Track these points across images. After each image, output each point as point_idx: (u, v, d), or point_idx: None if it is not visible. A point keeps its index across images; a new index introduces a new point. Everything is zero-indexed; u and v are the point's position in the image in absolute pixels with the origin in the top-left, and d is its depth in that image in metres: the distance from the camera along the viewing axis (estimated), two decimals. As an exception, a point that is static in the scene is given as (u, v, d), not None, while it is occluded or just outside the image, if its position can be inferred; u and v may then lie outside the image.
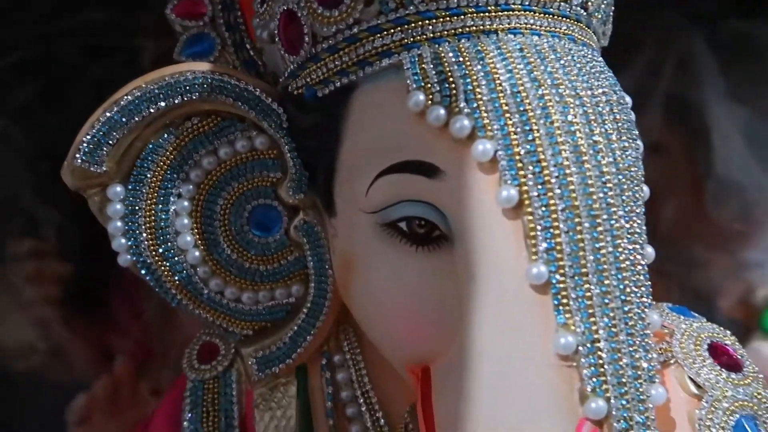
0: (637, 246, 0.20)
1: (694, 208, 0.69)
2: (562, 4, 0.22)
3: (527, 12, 0.22)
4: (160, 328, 0.47)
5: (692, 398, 0.22)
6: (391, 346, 0.24)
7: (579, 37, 0.23)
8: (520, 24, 0.22)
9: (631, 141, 0.21)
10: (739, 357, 0.23)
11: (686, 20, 0.63)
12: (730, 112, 0.64)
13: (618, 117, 0.21)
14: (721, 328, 0.24)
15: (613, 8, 0.26)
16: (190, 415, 0.27)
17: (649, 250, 0.22)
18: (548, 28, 0.22)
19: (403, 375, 0.24)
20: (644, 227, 0.21)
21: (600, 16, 0.25)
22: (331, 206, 0.25)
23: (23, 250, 0.47)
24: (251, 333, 0.27)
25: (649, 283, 0.21)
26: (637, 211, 0.21)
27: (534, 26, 0.22)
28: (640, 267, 0.21)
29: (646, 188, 0.22)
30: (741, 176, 0.65)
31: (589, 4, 0.23)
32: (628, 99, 0.24)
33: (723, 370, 0.23)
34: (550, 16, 0.22)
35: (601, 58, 0.24)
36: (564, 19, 0.23)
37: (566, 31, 0.23)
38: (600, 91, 0.21)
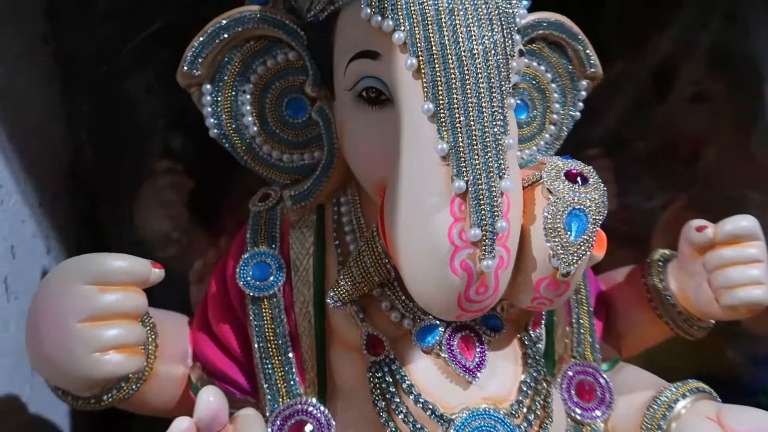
0: (496, 94, 0.32)
1: (739, 152, 0.73)
2: None
3: None
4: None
5: (546, 201, 0.34)
6: (362, 175, 0.38)
7: None
8: None
9: (500, 30, 0.32)
10: (588, 176, 0.34)
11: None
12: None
13: (494, 18, 0.33)
14: (581, 163, 0.35)
15: None
16: (250, 232, 0.42)
17: (511, 101, 0.33)
18: None
19: (375, 198, 0.38)
20: (506, 84, 0.33)
21: None
22: (332, 92, 0.39)
23: (162, 168, 0.66)
24: (289, 182, 0.41)
25: (507, 120, 0.33)
26: (501, 75, 0.32)
27: None
28: (498, 108, 0.32)
29: (514, 62, 0.34)
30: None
31: None
32: (516, 10, 0.35)
33: (571, 183, 0.34)
34: None
35: None
36: None
37: None
38: (482, 0, 0.33)
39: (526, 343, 0.39)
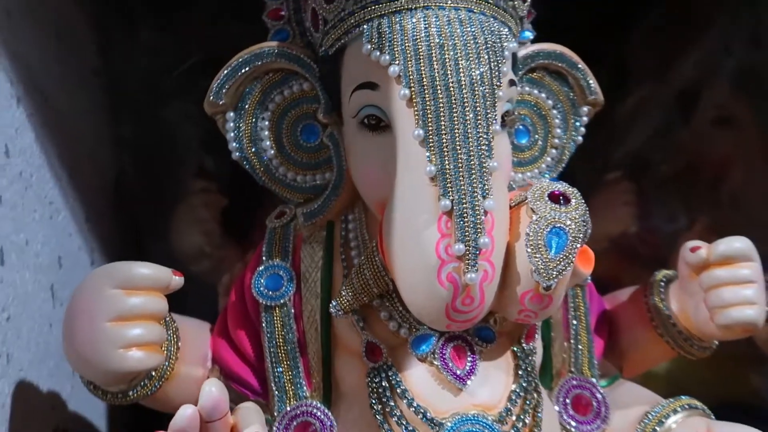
0: (481, 121, 0.35)
1: (764, 175, 0.73)
2: None
3: None
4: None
5: (530, 220, 0.36)
6: (366, 194, 0.41)
7: (476, 8, 0.38)
8: (431, 3, 0.37)
9: (487, 63, 0.36)
10: (571, 197, 0.36)
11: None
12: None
13: (481, 52, 0.36)
14: (566, 184, 0.37)
15: None
16: (265, 246, 0.45)
17: (496, 127, 0.36)
18: (451, 4, 0.37)
19: (378, 216, 0.41)
20: (492, 112, 0.36)
21: None
22: (341, 119, 0.43)
23: (198, 187, 0.71)
24: (302, 201, 0.45)
25: (491, 145, 0.35)
26: (486, 103, 0.35)
27: (441, 3, 0.37)
28: (483, 134, 0.35)
29: (500, 92, 0.37)
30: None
31: None
32: (506, 44, 0.38)
33: (553, 203, 0.36)
34: None
35: (492, 20, 0.38)
36: None
37: (465, 5, 0.38)
38: (471, 36, 0.36)
39: (519, 355, 0.41)
